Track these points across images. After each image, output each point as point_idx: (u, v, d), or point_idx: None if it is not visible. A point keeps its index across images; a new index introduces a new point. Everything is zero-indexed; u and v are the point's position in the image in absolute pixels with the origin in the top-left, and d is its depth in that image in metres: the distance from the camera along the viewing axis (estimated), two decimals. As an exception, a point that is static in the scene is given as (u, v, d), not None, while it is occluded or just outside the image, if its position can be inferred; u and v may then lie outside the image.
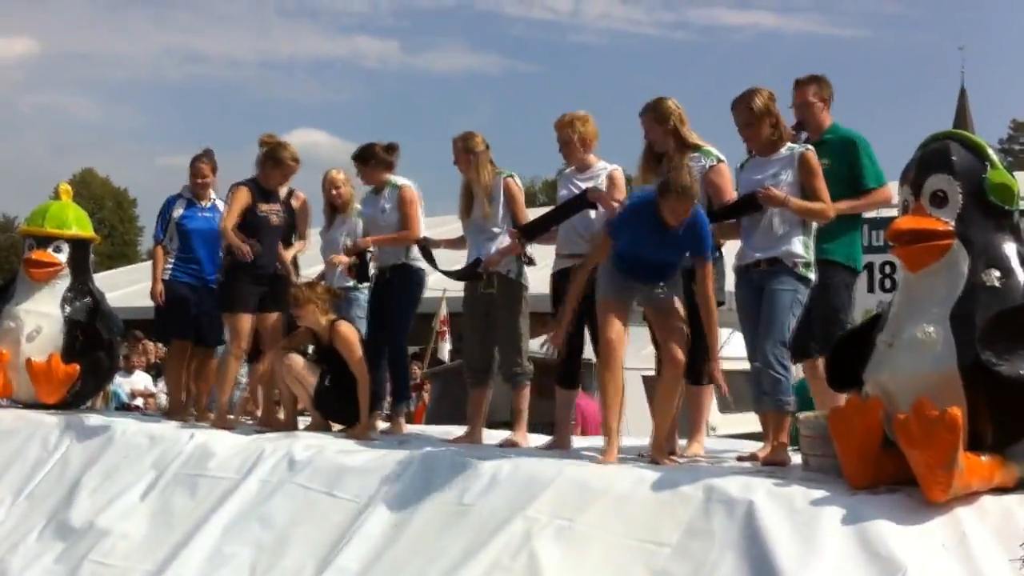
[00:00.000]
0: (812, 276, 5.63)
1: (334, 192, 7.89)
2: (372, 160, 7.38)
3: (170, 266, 8.04)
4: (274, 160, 7.44)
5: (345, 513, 5.60)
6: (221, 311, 7.51)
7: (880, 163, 6.21)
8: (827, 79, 6.21)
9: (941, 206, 4.73)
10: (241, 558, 5.64)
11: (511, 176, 6.82)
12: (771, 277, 5.57)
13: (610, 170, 6.44)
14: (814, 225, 5.69)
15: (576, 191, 6.40)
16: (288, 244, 7.78)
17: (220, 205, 7.93)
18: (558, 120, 6.45)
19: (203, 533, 5.87)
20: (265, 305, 7.41)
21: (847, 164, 5.94)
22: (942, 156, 4.78)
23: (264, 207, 7.38)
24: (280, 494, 5.95)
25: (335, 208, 7.96)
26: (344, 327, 7.10)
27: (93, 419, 7.60)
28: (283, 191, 7.84)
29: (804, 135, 6.12)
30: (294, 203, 7.94)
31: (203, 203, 8.09)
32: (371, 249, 7.58)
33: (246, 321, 7.31)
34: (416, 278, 7.41)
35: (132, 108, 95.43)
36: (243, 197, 7.31)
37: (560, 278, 6.36)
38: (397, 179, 7.39)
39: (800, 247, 5.60)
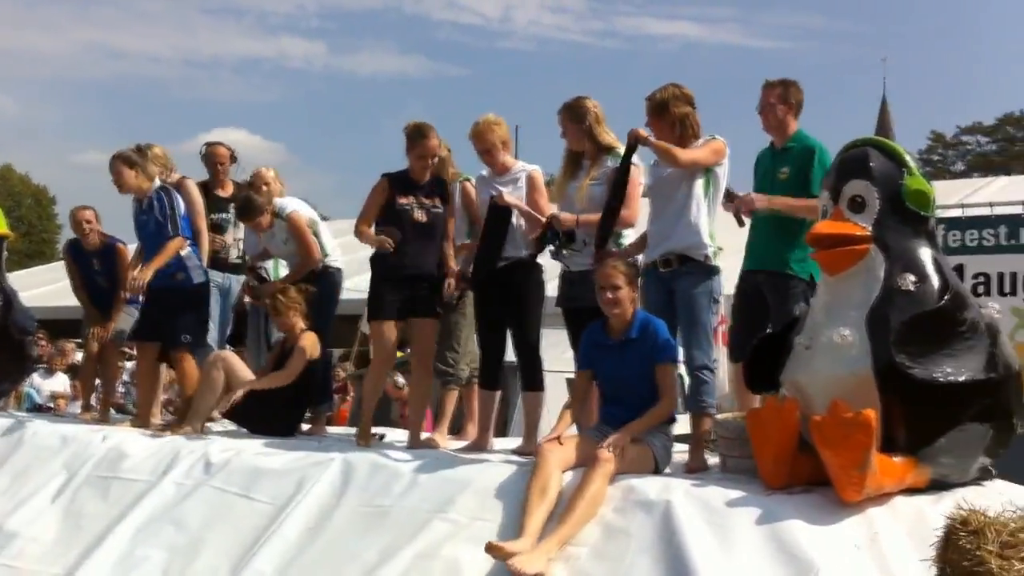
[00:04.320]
0: (719, 264, 5.67)
1: (264, 189, 7.76)
2: (258, 212, 7.29)
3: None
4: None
5: (261, 516, 5.52)
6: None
7: None
8: (798, 84, 6.05)
9: (859, 211, 4.79)
10: (153, 561, 5.53)
11: (467, 180, 6.84)
12: (684, 277, 5.57)
13: (529, 171, 6.42)
14: (708, 212, 5.67)
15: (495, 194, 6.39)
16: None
17: (156, 206, 7.31)
18: (474, 128, 6.39)
19: (115, 536, 5.76)
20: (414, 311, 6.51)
21: (802, 172, 5.83)
22: (860, 162, 4.85)
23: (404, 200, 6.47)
24: (195, 496, 5.85)
25: None
26: (310, 339, 6.93)
27: (2, 420, 7.41)
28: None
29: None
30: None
31: (143, 202, 7.47)
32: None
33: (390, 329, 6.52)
34: (333, 280, 7.36)
35: (52, 105, 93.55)
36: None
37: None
38: (284, 206, 7.32)
39: (706, 236, 5.63)
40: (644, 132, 5.60)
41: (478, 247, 6.32)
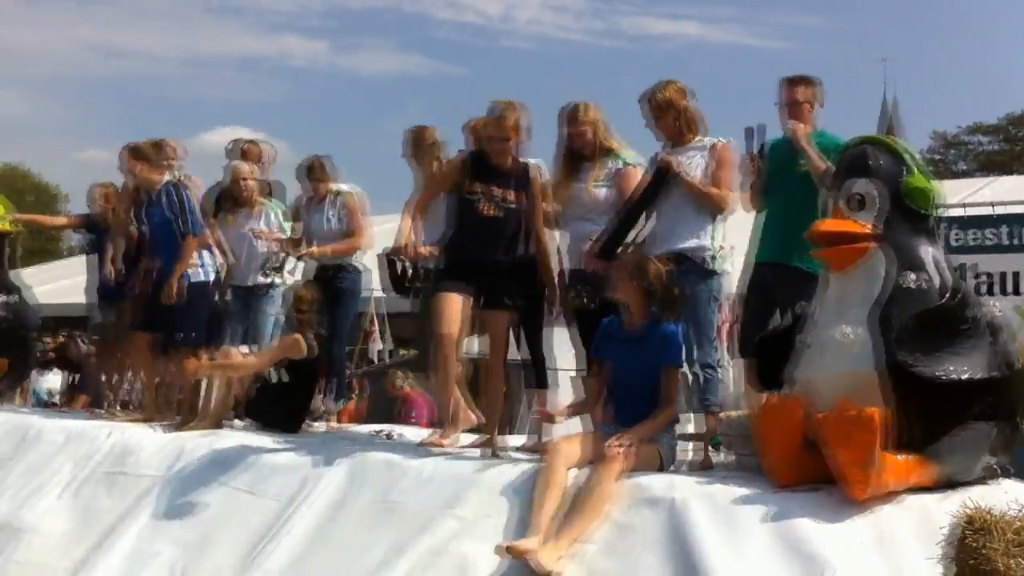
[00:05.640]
0: (720, 268, 5.71)
1: (243, 183, 7.69)
2: (325, 175, 7.27)
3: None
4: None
5: (268, 512, 5.54)
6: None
7: None
8: (819, 80, 6.05)
9: (861, 209, 4.81)
10: (162, 557, 5.57)
11: None
12: (683, 278, 5.52)
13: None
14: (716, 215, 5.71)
15: None
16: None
17: (165, 200, 7.42)
18: (475, 123, 6.32)
19: (123, 531, 5.80)
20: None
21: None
22: (862, 160, 4.86)
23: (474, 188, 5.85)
24: (202, 492, 5.87)
25: (238, 201, 7.77)
26: (287, 336, 6.94)
27: (10, 415, 7.45)
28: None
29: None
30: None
31: (152, 195, 7.57)
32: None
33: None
34: (359, 278, 7.40)
35: (55, 103, 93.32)
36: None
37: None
38: (342, 186, 7.32)
39: (708, 239, 5.68)
40: (677, 165, 5.64)
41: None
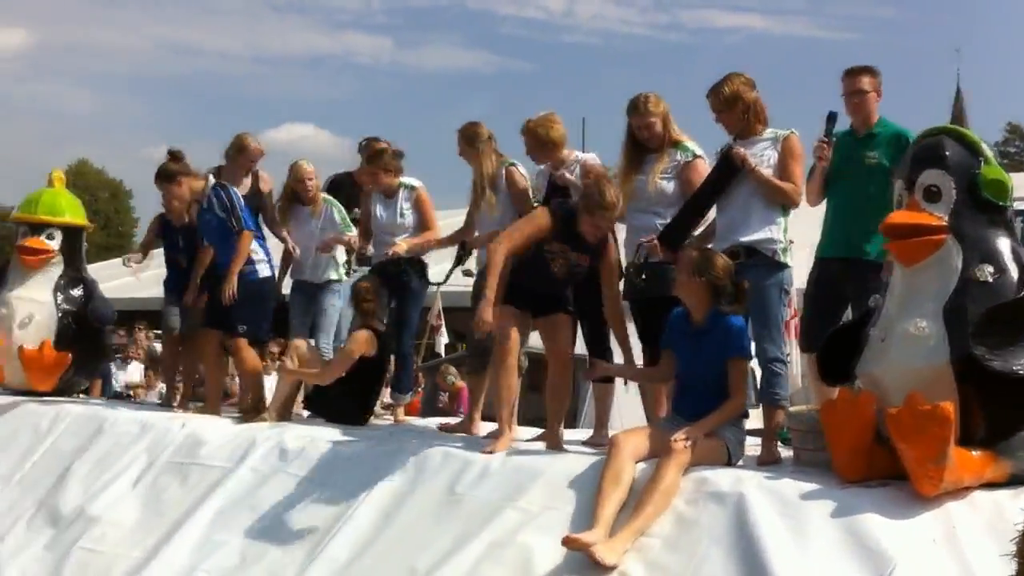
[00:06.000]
0: (789, 261, 5.64)
1: (309, 183, 7.71)
2: (398, 168, 7.32)
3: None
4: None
5: (334, 502, 5.59)
6: None
7: None
8: (879, 69, 6.00)
9: (935, 201, 4.71)
10: (231, 546, 5.64)
11: (513, 165, 6.74)
12: (752, 271, 5.46)
13: (583, 159, 6.41)
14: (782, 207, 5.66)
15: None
16: None
17: (215, 203, 7.37)
18: (533, 124, 6.40)
19: (193, 521, 5.88)
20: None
21: (895, 157, 5.59)
22: (936, 151, 4.77)
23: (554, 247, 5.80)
24: (271, 483, 5.95)
25: (300, 200, 7.79)
26: (359, 338, 6.93)
27: (84, 407, 7.60)
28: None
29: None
30: (263, 186, 7.75)
31: (203, 203, 7.52)
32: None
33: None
34: (422, 274, 7.44)
35: (126, 100, 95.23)
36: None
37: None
38: (411, 180, 7.36)
39: (778, 232, 5.60)
40: (750, 158, 5.58)
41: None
